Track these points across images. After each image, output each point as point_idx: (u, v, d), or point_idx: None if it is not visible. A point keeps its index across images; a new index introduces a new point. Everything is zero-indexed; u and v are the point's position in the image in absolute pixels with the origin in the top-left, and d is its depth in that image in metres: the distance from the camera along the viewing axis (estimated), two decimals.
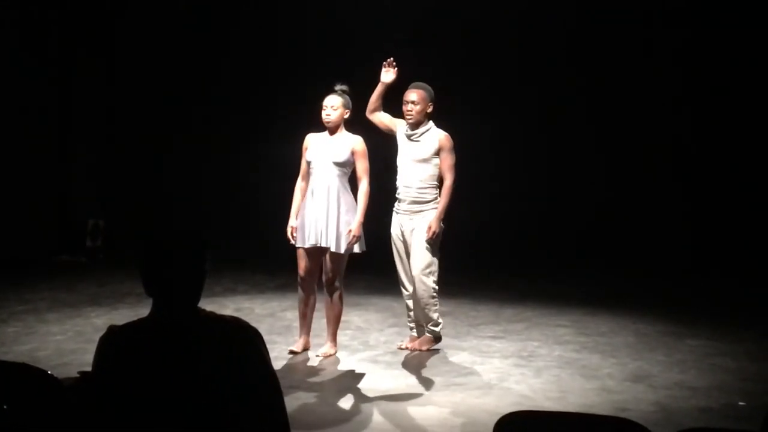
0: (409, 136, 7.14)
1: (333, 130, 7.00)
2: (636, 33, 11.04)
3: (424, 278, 7.09)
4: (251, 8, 12.09)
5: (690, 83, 10.89)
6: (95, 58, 12.20)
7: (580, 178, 11.45)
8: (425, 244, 7.06)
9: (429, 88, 7.15)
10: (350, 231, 6.85)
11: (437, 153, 7.05)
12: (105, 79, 12.30)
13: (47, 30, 11.66)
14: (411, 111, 7.07)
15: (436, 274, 7.13)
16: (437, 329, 7.28)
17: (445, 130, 7.13)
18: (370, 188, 6.95)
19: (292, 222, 7.02)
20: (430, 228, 6.97)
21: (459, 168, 7.12)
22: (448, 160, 7.04)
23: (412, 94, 7.09)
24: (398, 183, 7.19)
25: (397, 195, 7.22)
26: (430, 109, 7.12)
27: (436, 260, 7.12)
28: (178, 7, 12.08)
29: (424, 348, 7.24)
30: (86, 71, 12.10)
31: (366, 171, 6.95)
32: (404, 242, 7.17)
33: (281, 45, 11.93)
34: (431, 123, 7.13)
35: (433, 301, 7.15)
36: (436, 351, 7.27)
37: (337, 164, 6.92)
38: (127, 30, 12.27)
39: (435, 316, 7.22)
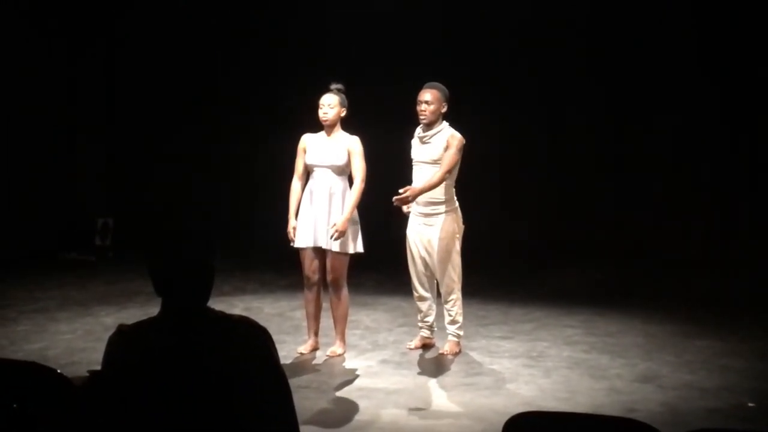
0: (421, 138, 7.10)
1: (330, 130, 6.99)
2: (648, 33, 11.02)
3: (451, 282, 7.11)
4: (252, 7, 12.11)
5: (697, 81, 10.87)
6: (98, 56, 12.23)
7: (587, 176, 11.42)
8: (446, 249, 7.03)
9: (443, 87, 7.08)
10: (334, 225, 6.85)
11: (446, 151, 7.02)
12: (107, 77, 12.33)
13: (53, 28, 11.69)
14: (425, 111, 7.00)
15: (460, 276, 7.15)
16: (462, 332, 7.29)
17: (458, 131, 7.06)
18: (364, 186, 6.91)
19: (293, 222, 7.02)
20: (409, 189, 6.80)
21: (465, 167, 7.11)
22: (449, 157, 6.88)
23: (426, 94, 7.02)
24: (413, 185, 7.15)
25: None
26: (444, 109, 7.05)
27: (459, 261, 7.13)
28: (178, 5, 12.09)
29: (456, 351, 7.22)
30: (89, 69, 12.13)
31: (360, 170, 6.92)
32: (421, 249, 7.13)
33: (282, 45, 11.95)
34: (445, 123, 7.06)
35: (460, 303, 7.16)
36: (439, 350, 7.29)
37: (337, 167, 6.92)
38: (130, 28, 12.30)
39: (461, 318, 7.22)
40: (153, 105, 12.31)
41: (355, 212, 7.01)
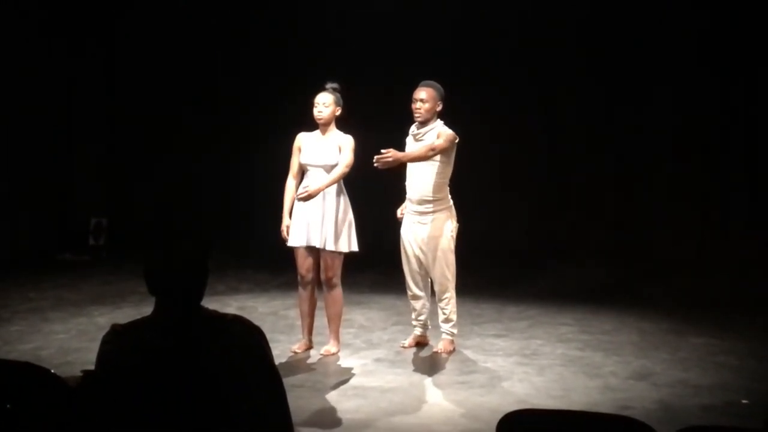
0: (415, 136, 7.10)
1: (325, 129, 6.99)
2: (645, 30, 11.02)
3: (445, 281, 7.11)
4: (252, 7, 12.10)
5: (697, 82, 10.88)
6: (98, 56, 12.21)
7: (585, 175, 11.43)
8: (440, 247, 7.04)
9: (438, 86, 7.08)
10: (307, 187, 6.84)
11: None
12: (107, 77, 12.32)
13: (53, 28, 11.67)
14: (420, 109, 7.00)
15: (454, 274, 7.15)
16: (456, 330, 7.29)
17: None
18: (347, 172, 6.88)
19: (286, 221, 7.02)
20: (391, 151, 6.72)
21: (463, 166, 7.14)
22: (438, 141, 6.86)
23: (421, 92, 7.03)
24: (406, 183, 7.16)
25: (406, 196, 7.20)
26: (439, 108, 7.05)
27: (453, 260, 7.13)
28: (178, 5, 12.07)
29: (450, 350, 7.22)
30: (89, 69, 12.11)
31: (347, 159, 6.87)
32: (415, 247, 7.13)
33: (282, 45, 11.93)
34: (439, 121, 7.06)
35: (454, 301, 7.17)
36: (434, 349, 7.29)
37: (331, 167, 6.91)
38: (130, 28, 12.28)
39: (455, 317, 7.22)
40: (152, 105, 12.27)
41: (350, 211, 7.02)
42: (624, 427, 3.33)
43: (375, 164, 6.72)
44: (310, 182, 6.95)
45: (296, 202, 7.01)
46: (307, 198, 6.82)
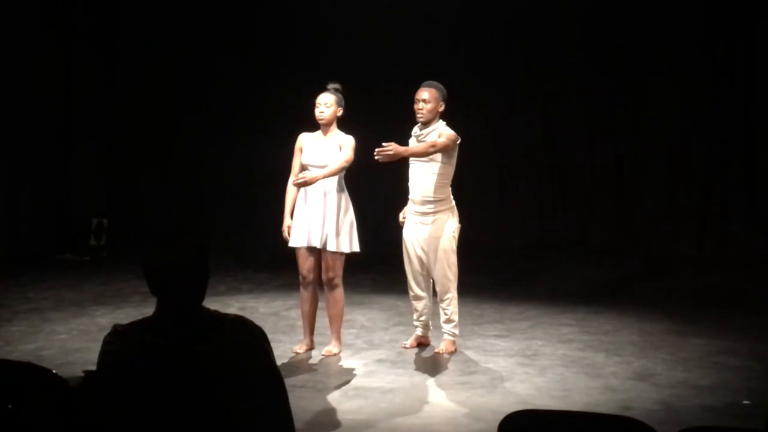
0: (417, 137, 7.09)
1: (326, 129, 6.99)
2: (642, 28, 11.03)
3: (447, 281, 7.10)
4: (252, 7, 12.11)
5: (696, 81, 10.89)
6: (98, 57, 12.22)
7: (585, 174, 11.43)
8: (442, 248, 7.03)
9: (441, 86, 7.07)
10: (304, 175, 6.83)
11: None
12: (107, 76, 12.32)
13: (53, 28, 11.67)
14: (422, 110, 6.99)
15: (456, 275, 7.15)
16: (457, 330, 7.28)
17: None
18: (346, 166, 6.88)
19: (288, 221, 7.03)
20: (392, 144, 6.70)
21: (464, 166, 7.14)
22: (440, 140, 6.85)
23: (424, 93, 7.02)
24: (409, 184, 7.16)
25: (409, 196, 7.20)
26: (441, 108, 7.04)
27: (455, 260, 7.12)
28: (179, 5, 12.08)
29: (452, 350, 7.21)
30: (89, 69, 12.11)
31: (347, 155, 6.86)
32: (417, 247, 7.13)
33: (281, 45, 11.94)
34: (441, 122, 7.05)
35: (455, 302, 7.16)
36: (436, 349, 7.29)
37: None
38: (130, 28, 12.29)
39: (456, 317, 7.22)
40: (152, 105, 12.28)
41: (351, 211, 7.02)
42: (625, 428, 3.33)
43: (376, 156, 6.71)
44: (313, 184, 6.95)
45: (297, 202, 7.01)
46: (303, 184, 6.81)
